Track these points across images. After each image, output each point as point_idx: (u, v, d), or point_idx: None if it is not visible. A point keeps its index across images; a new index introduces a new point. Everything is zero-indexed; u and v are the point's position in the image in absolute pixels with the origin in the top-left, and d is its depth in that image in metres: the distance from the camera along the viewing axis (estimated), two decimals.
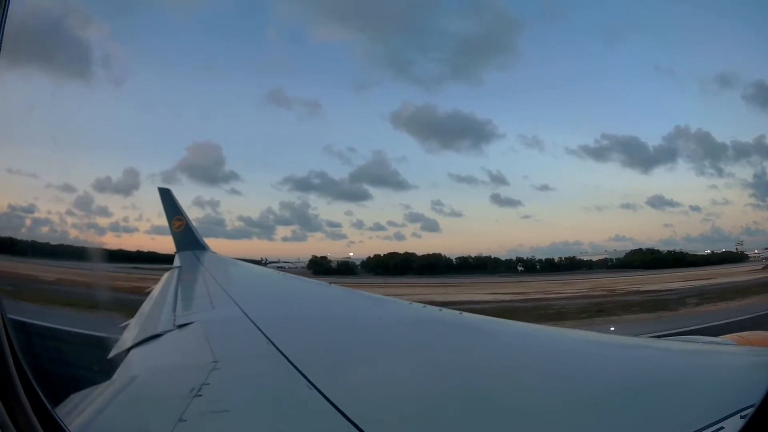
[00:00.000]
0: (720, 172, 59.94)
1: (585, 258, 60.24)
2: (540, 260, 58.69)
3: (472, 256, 56.93)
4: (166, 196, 15.73)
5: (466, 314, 4.23)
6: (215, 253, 14.47)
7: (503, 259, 57.28)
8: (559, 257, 59.97)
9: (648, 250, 61.82)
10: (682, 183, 64.39)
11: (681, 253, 61.25)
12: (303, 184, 66.92)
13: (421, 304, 4.94)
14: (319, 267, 49.87)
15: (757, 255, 57.00)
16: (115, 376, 3.21)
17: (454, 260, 56.11)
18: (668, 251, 61.31)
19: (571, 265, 58.48)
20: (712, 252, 61.72)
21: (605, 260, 60.57)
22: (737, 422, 1.76)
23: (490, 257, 56.71)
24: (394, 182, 64.28)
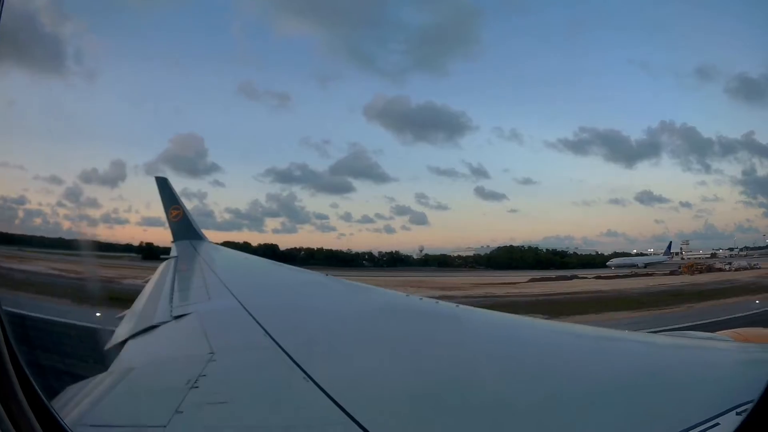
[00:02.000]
0: (707, 168, 59.77)
1: (413, 256, 58.94)
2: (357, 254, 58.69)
3: (304, 248, 58.28)
4: (164, 185, 15.57)
5: (462, 306, 4.24)
6: (212, 242, 14.44)
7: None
8: (380, 252, 59.69)
9: (519, 247, 59.59)
10: (669, 179, 63.91)
11: (562, 253, 59.15)
12: (285, 176, 67.73)
13: (418, 297, 4.95)
14: (149, 253, 47.23)
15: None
16: (111, 368, 3.20)
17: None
18: (548, 250, 59.50)
19: (392, 261, 57.75)
20: (574, 253, 59.26)
21: (425, 258, 58.32)
22: (733, 418, 1.77)
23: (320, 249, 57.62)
24: (375, 175, 64.88)
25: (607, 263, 52.74)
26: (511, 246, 60.24)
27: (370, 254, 59.33)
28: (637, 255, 54.63)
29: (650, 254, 53.93)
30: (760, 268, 45.54)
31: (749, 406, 1.72)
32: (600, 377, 2.53)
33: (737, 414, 1.78)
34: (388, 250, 59.78)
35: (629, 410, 2.11)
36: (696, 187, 62.45)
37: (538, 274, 48.56)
